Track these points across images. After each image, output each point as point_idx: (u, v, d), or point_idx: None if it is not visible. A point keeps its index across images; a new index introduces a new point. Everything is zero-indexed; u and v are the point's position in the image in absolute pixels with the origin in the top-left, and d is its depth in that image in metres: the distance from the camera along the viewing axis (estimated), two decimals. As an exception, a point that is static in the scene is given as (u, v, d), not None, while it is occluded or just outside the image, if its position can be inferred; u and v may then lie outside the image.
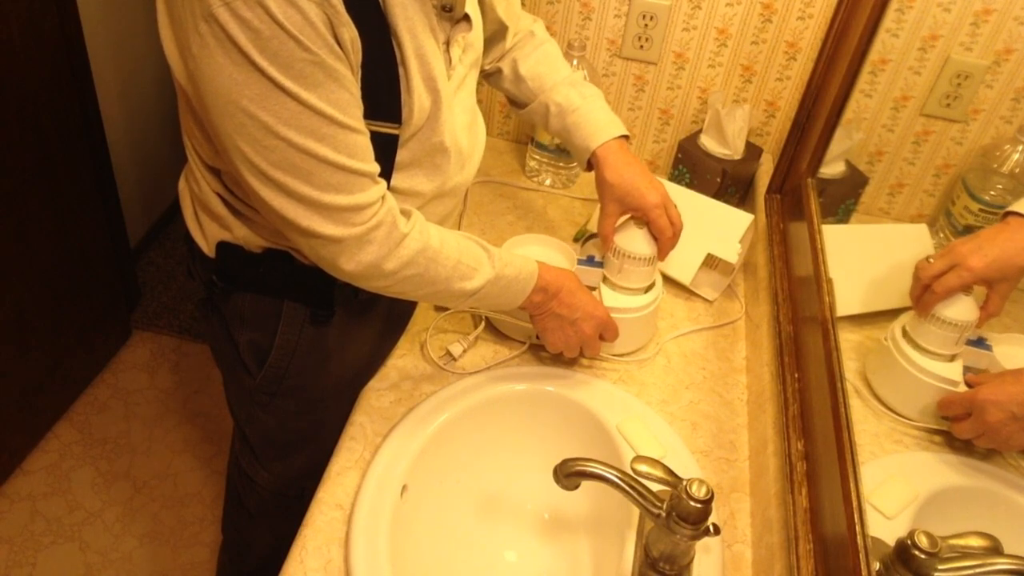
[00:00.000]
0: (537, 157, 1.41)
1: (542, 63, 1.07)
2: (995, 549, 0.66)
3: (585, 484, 0.78)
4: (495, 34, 1.05)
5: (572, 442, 1.00)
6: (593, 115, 1.04)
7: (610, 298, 1.04)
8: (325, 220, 0.75)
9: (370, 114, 0.76)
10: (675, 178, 1.40)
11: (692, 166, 1.36)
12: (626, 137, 1.04)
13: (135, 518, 1.77)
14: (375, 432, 0.95)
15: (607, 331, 1.01)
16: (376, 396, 1.00)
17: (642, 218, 1.03)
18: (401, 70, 0.77)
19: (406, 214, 0.82)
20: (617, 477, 0.76)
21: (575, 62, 1.30)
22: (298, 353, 0.96)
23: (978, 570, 0.65)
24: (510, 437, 1.02)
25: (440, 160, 0.87)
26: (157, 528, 1.76)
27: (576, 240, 1.29)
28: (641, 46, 1.34)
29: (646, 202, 1.00)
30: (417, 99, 0.79)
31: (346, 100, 0.72)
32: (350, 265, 0.79)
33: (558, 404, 1.01)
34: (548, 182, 1.42)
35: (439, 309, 1.12)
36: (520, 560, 0.97)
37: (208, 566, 1.70)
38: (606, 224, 1.03)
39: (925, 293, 0.85)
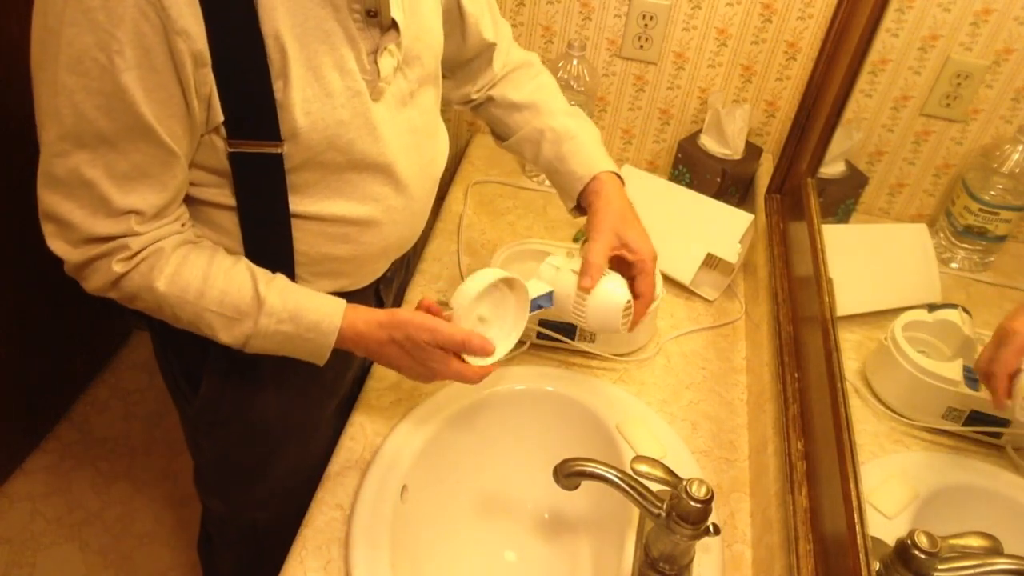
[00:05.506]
0: (537, 157, 1.41)
1: (540, 91, 1.00)
2: (995, 549, 0.66)
3: (585, 484, 0.78)
4: (480, 56, 0.98)
5: (572, 442, 1.00)
6: (592, 146, 0.95)
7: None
8: (56, 233, 0.72)
9: (237, 132, 0.70)
10: (675, 178, 1.40)
11: (692, 166, 1.36)
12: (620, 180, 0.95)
13: (135, 518, 1.77)
14: (375, 432, 0.95)
15: (466, 350, 0.79)
16: (376, 396, 1.00)
17: (629, 265, 0.89)
18: (279, 83, 0.69)
19: (147, 249, 0.74)
20: (617, 477, 0.76)
21: (575, 62, 1.30)
22: (231, 379, 0.90)
23: (978, 570, 0.65)
24: (510, 437, 1.02)
25: (370, 183, 0.79)
26: (157, 528, 1.76)
27: (575, 240, 1.29)
28: (641, 46, 1.34)
29: (646, 251, 0.87)
30: (301, 116, 0.70)
31: (130, 124, 0.65)
32: (86, 284, 0.76)
33: (558, 404, 1.01)
34: (548, 182, 1.42)
35: (439, 309, 1.12)
36: (520, 560, 0.97)
37: (208, 566, 1.71)
38: (599, 253, 0.85)
39: (991, 381, 0.75)
